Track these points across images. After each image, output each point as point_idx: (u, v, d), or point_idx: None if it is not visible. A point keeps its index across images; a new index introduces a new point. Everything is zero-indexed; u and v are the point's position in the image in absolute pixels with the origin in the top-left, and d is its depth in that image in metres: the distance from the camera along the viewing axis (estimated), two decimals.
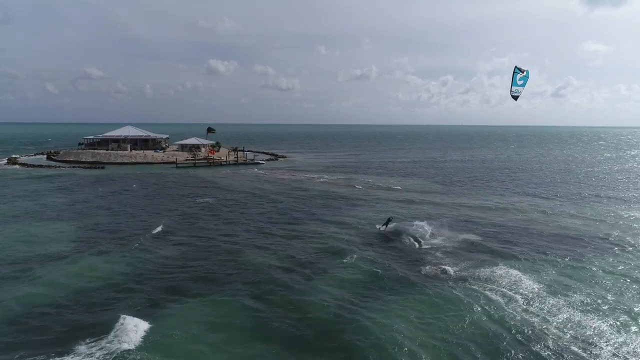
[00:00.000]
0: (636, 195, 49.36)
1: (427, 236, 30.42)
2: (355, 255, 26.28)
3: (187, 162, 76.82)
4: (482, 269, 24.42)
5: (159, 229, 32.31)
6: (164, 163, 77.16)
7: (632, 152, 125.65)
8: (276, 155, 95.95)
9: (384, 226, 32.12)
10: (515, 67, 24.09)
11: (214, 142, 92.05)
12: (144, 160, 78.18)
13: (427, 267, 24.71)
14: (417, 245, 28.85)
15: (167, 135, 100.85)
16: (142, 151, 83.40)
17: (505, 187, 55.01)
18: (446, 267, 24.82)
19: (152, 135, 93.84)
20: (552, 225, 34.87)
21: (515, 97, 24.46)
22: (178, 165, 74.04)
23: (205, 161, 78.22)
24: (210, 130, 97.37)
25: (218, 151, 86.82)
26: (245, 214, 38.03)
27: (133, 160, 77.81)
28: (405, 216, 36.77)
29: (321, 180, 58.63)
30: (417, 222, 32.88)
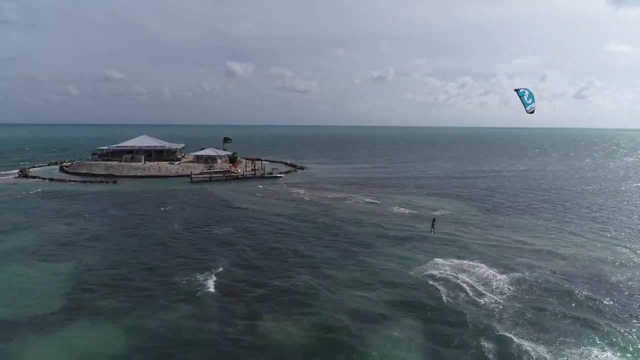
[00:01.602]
0: None
1: (490, 286, 25.44)
2: (420, 314, 21.97)
3: (203, 175, 71.93)
4: (573, 350, 18.64)
5: (201, 273, 27.05)
6: (178, 176, 72.48)
7: None
8: (295, 167, 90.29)
9: (432, 229, 36.78)
10: (515, 90, 26.25)
11: (230, 153, 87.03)
12: (158, 173, 73.83)
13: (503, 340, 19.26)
14: (482, 302, 23.46)
15: (183, 145, 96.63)
16: (156, 163, 79.15)
17: (565, 213, 46.25)
18: (524, 344, 19.18)
19: (167, 145, 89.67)
20: None
21: (532, 112, 26.50)
22: (193, 179, 69.11)
23: (222, 175, 73.17)
24: (226, 140, 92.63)
25: (240, 163, 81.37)
26: (286, 246, 33.23)
27: (147, 173, 73.56)
28: (452, 254, 31.31)
29: (354, 201, 52.22)
30: (471, 265, 28.96)
